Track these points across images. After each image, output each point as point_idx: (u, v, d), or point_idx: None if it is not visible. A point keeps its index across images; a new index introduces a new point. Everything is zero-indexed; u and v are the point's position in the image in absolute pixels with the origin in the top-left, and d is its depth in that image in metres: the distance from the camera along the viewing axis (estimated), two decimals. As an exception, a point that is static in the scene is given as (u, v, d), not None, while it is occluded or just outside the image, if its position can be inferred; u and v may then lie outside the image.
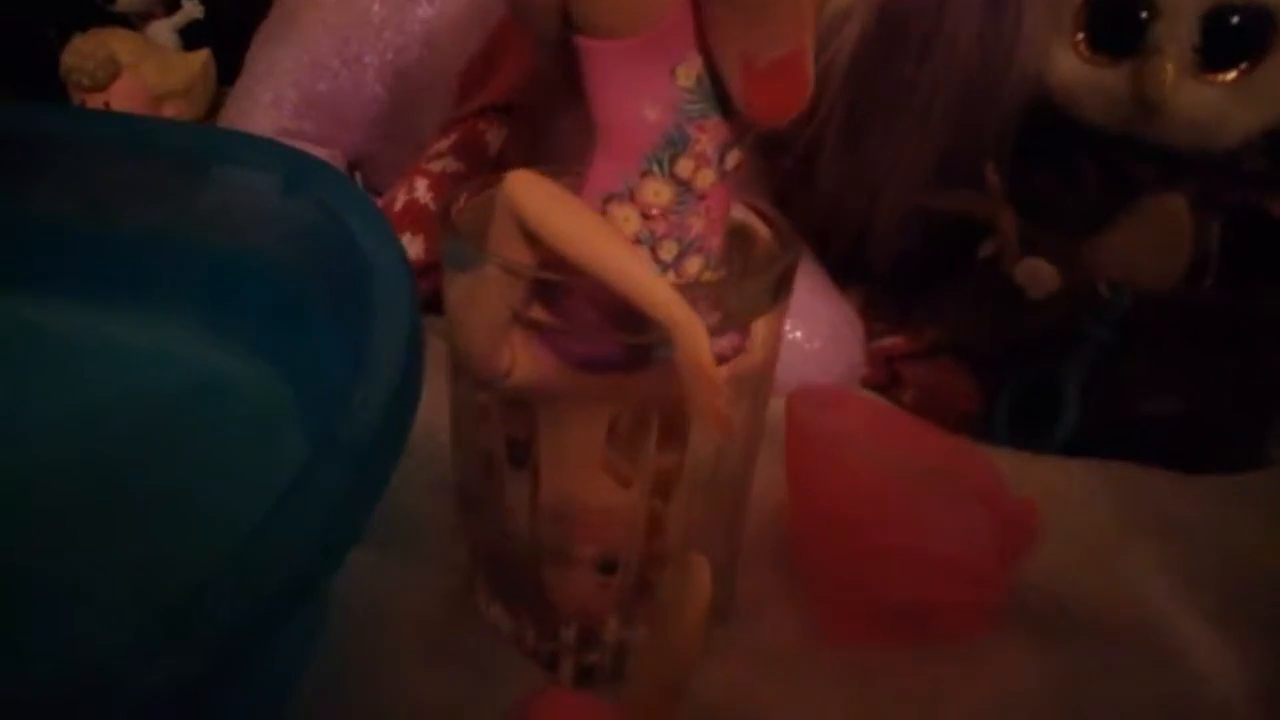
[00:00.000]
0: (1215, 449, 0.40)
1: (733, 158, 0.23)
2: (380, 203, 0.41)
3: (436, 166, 0.39)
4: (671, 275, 0.23)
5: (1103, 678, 0.30)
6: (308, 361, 0.32)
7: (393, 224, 0.35)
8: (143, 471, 0.32)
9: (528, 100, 0.40)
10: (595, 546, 0.26)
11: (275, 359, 0.33)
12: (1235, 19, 0.39)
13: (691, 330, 0.21)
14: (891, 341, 0.45)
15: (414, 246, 0.38)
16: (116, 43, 0.47)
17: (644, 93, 0.22)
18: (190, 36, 0.53)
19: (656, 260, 0.23)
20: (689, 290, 0.22)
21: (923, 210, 0.42)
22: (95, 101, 0.47)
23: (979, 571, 0.29)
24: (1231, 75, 0.39)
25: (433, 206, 0.39)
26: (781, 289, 0.24)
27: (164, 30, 0.52)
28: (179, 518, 0.30)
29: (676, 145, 0.22)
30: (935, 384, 0.44)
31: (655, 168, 0.22)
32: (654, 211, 0.22)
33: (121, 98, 0.47)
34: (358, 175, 0.48)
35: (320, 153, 0.46)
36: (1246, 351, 0.41)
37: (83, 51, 0.46)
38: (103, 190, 0.34)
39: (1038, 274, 0.39)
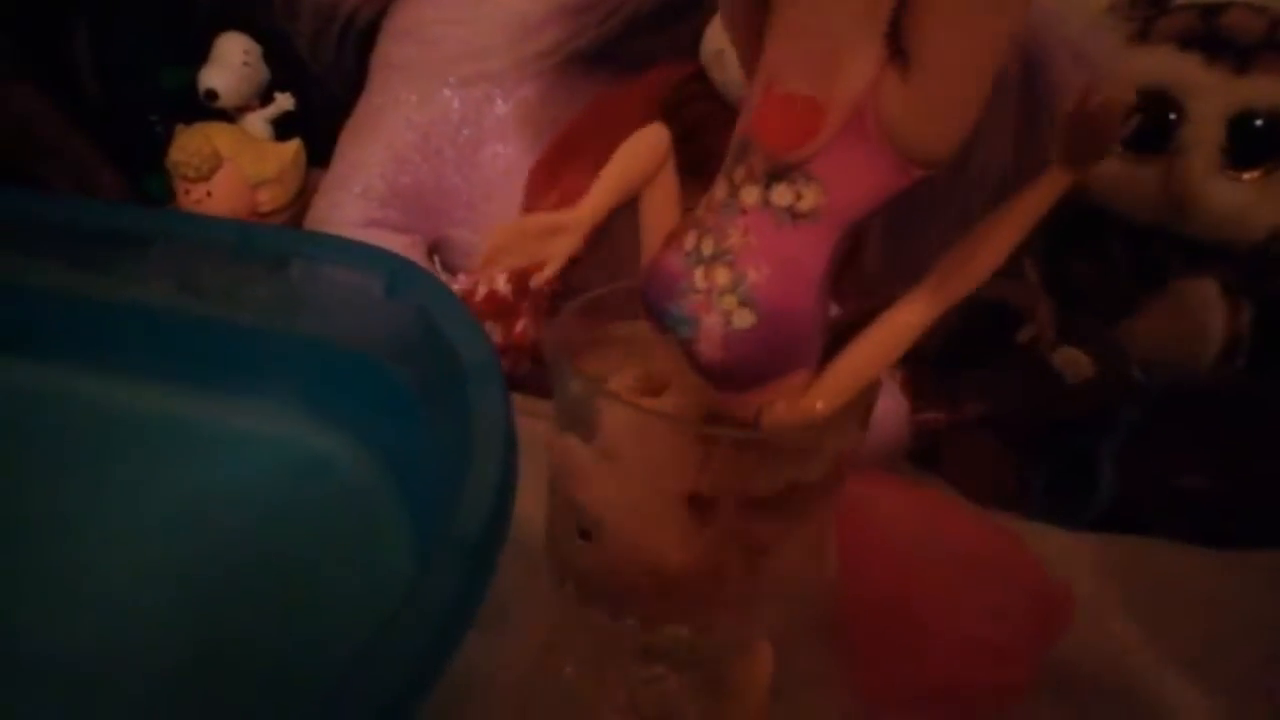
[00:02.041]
0: (1246, 525, 0.42)
1: (781, 194, 0.23)
2: (460, 289, 0.45)
3: (515, 260, 0.43)
4: (700, 272, 0.23)
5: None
6: (405, 448, 0.35)
7: (475, 311, 0.39)
8: (254, 547, 0.35)
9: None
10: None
11: (374, 446, 0.36)
12: (1259, 122, 0.41)
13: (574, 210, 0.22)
14: (933, 416, 0.48)
15: (495, 333, 0.42)
16: (218, 136, 0.52)
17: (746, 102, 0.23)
18: (281, 126, 0.57)
19: (698, 247, 0.23)
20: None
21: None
22: (199, 190, 0.51)
23: (1017, 652, 0.32)
24: (1256, 174, 0.42)
25: (511, 298, 0.42)
26: (867, 415, 0.27)
27: (258, 121, 0.56)
28: (291, 591, 0.33)
29: (741, 152, 0.23)
30: (973, 458, 0.46)
31: (726, 168, 0.23)
32: (714, 202, 0.23)
33: (222, 186, 0.52)
34: (436, 258, 0.52)
35: (403, 239, 0.49)
36: (1276, 431, 0.44)
37: (189, 148, 0.51)
38: (220, 287, 0.38)
39: (1074, 362, 0.41)
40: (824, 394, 0.23)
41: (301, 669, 0.31)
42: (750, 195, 0.23)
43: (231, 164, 0.52)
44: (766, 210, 0.22)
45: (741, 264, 0.23)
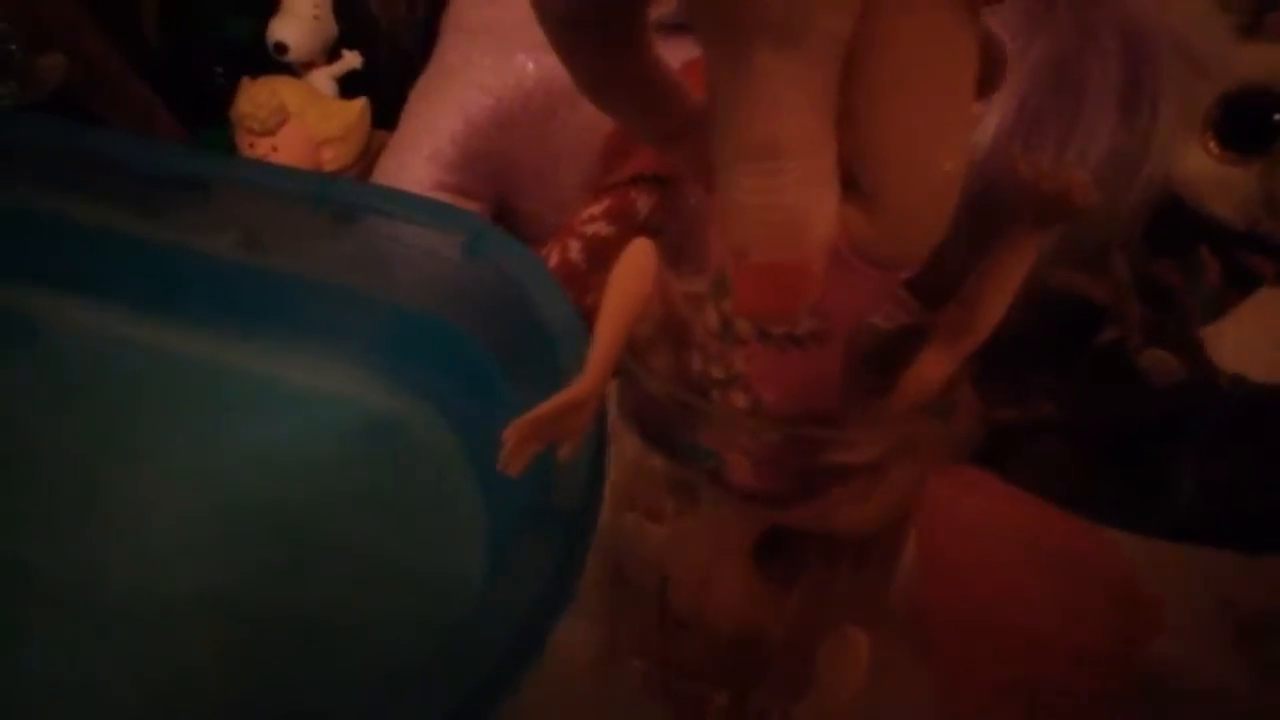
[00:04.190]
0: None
1: (776, 328, 0.21)
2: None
3: (589, 229, 0.42)
4: (718, 394, 0.22)
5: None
6: (479, 413, 0.34)
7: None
8: (320, 505, 0.34)
9: (678, 173, 0.42)
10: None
11: (447, 408, 0.36)
12: (1367, 127, 0.40)
13: (579, 388, 0.22)
14: (1004, 414, 0.47)
15: (564, 303, 0.41)
16: (286, 91, 0.51)
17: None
18: (347, 85, 0.56)
19: (706, 371, 0.23)
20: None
21: (1044, 286, 0.44)
22: (263, 144, 0.51)
23: (1103, 657, 0.31)
24: (1360, 180, 0.40)
25: (584, 266, 0.41)
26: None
27: (324, 78, 0.55)
28: (357, 552, 0.33)
29: (724, 286, 0.22)
30: (1044, 459, 0.45)
31: (712, 295, 0.22)
32: (709, 329, 0.23)
33: (287, 142, 0.51)
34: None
35: (470, 205, 0.48)
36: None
37: (256, 100, 0.50)
38: (296, 241, 0.37)
39: (1162, 364, 0.40)
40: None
41: (370, 631, 0.30)
42: (745, 327, 0.22)
43: (298, 120, 0.51)
44: (766, 341, 0.21)
45: (755, 388, 0.22)
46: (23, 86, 0.48)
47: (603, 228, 0.42)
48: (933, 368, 0.23)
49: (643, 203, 0.42)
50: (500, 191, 0.50)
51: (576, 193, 0.48)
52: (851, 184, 0.18)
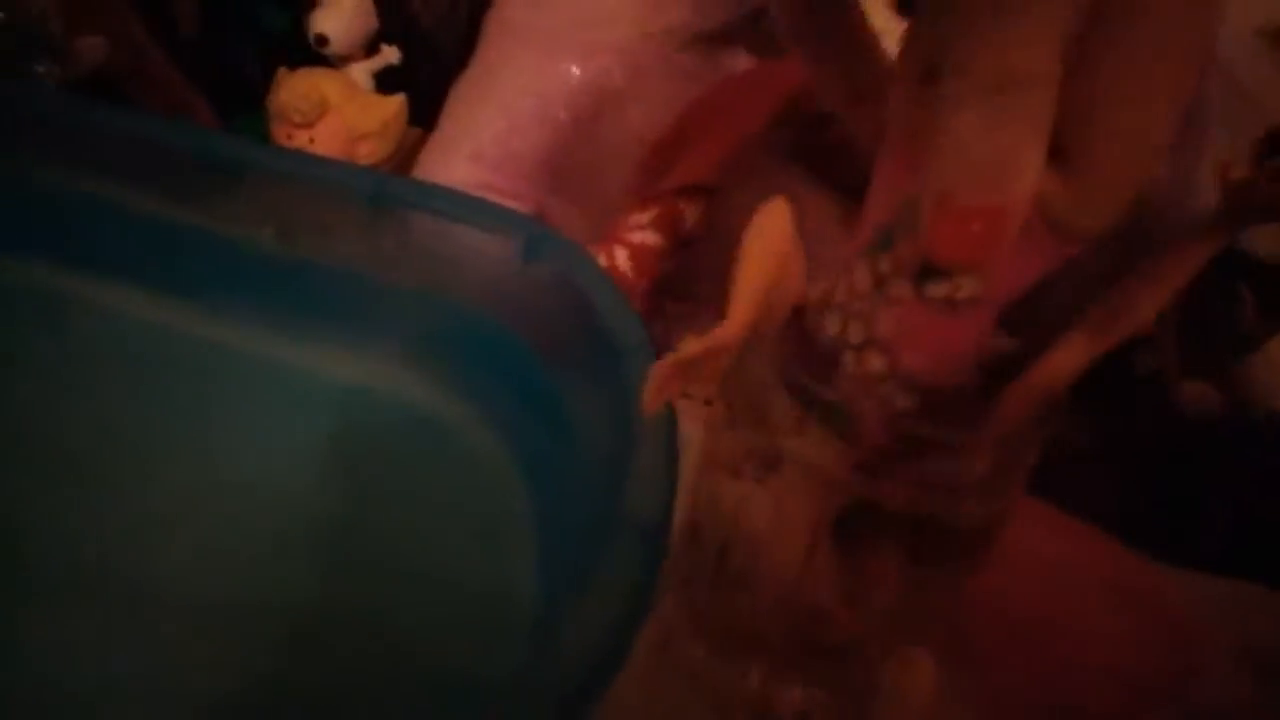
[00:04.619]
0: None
1: (937, 287, 0.22)
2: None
3: (636, 238, 0.42)
4: (851, 357, 0.23)
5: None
6: (528, 417, 0.34)
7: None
8: (370, 505, 0.34)
9: (725, 179, 0.42)
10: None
11: (495, 412, 0.35)
12: None
13: (724, 331, 0.22)
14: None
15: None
16: (326, 83, 0.51)
17: (888, 188, 0.22)
18: (384, 80, 0.56)
19: (844, 333, 0.23)
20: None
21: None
22: (301, 136, 0.50)
23: (1151, 689, 0.31)
24: (1404, 222, 0.41)
25: (631, 275, 0.41)
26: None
27: (361, 72, 0.55)
28: (405, 558, 0.32)
29: (885, 241, 0.22)
30: (1082, 488, 0.45)
31: (867, 252, 0.23)
32: (856, 289, 0.23)
33: (325, 135, 0.50)
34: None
35: (510, 205, 0.48)
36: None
37: (298, 90, 0.50)
38: (348, 235, 0.37)
39: (1200, 397, 0.40)
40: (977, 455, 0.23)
41: (412, 633, 0.30)
42: (901, 287, 0.22)
43: (336, 113, 0.51)
44: (921, 302, 0.22)
45: (897, 352, 0.22)
46: (62, 66, 0.48)
47: (649, 236, 0.42)
48: (1067, 358, 0.22)
49: (690, 213, 0.42)
50: (540, 193, 0.49)
51: (617, 198, 0.48)
52: (1054, 153, 0.18)
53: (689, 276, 0.46)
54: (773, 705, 0.30)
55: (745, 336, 0.22)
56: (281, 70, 0.53)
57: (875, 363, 0.22)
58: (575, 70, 0.49)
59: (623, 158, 0.48)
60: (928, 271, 0.21)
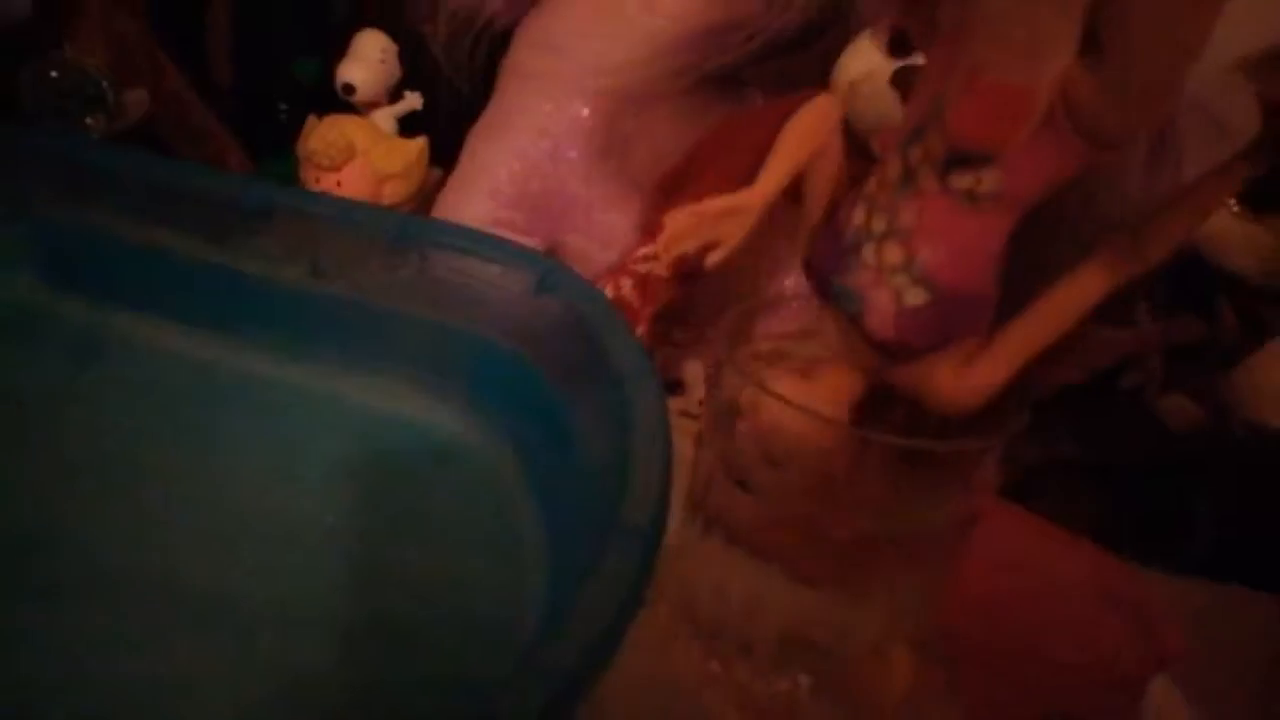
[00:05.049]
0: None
1: (960, 177, 0.22)
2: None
3: (642, 268, 0.44)
4: (871, 248, 0.24)
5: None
6: (541, 440, 0.36)
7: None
8: (386, 526, 0.37)
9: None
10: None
11: (506, 436, 0.38)
12: (1380, 191, 0.42)
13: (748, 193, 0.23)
14: (1028, 454, 0.49)
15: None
16: (352, 129, 0.54)
17: (928, 89, 0.23)
18: (406, 123, 0.59)
19: (868, 224, 0.24)
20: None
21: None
22: (329, 180, 0.54)
23: (1119, 679, 0.33)
24: (1373, 241, 0.43)
25: (636, 303, 0.44)
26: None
27: (386, 117, 0.59)
28: (421, 578, 0.35)
29: (918, 133, 0.23)
30: (1065, 499, 0.47)
31: (901, 145, 0.24)
32: (886, 180, 0.24)
33: (352, 178, 0.54)
34: (550, 260, 0.53)
35: (525, 241, 0.51)
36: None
37: (327, 138, 0.53)
38: (371, 273, 0.40)
39: (1181, 410, 0.42)
40: (993, 362, 0.24)
41: (425, 640, 0.32)
42: (927, 177, 0.23)
43: (363, 157, 0.54)
44: (945, 193, 0.23)
45: (915, 244, 0.23)
46: (110, 120, 0.51)
47: (654, 267, 0.44)
48: (1089, 281, 0.23)
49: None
50: (554, 229, 0.52)
51: (626, 233, 0.51)
52: (1087, 48, 0.19)
53: (692, 307, 0.48)
54: (761, 698, 0.32)
55: (763, 205, 0.24)
56: (310, 118, 0.56)
57: (893, 254, 0.23)
58: (585, 112, 0.52)
59: (634, 193, 0.51)
60: (953, 160, 0.22)
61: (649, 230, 0.47)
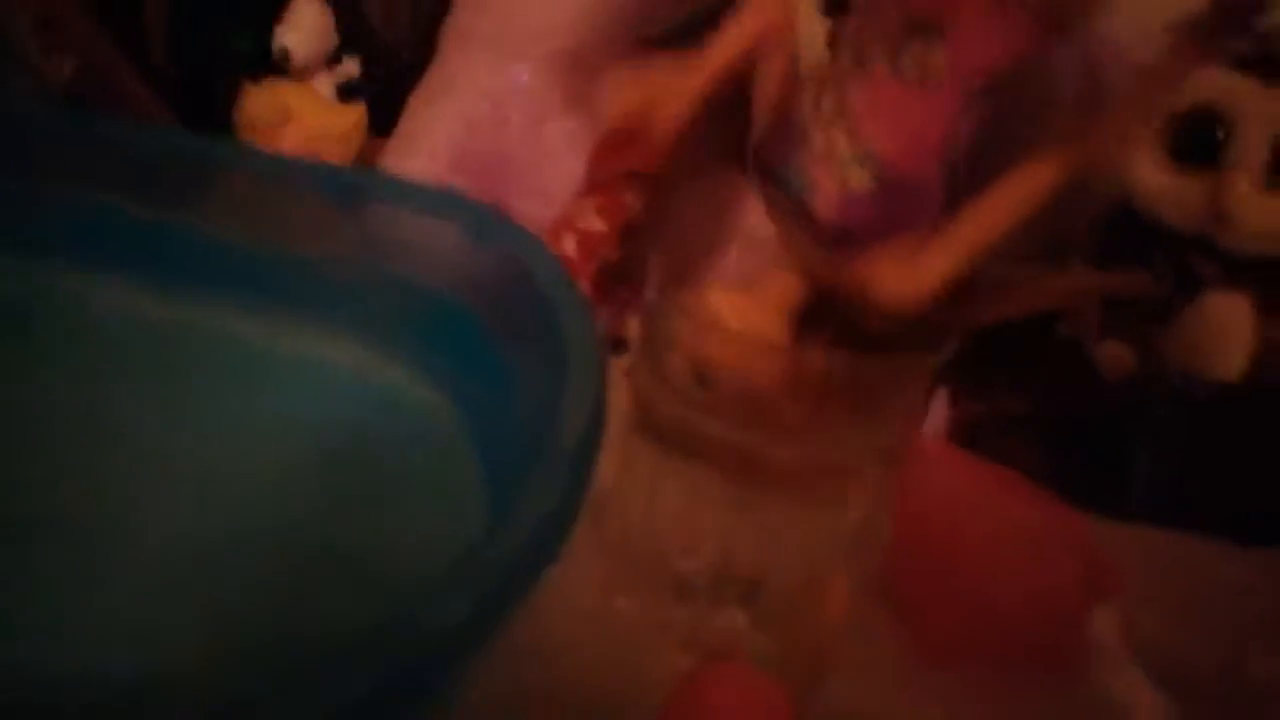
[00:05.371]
0: (1272, 525, 0.43)
1: (911, 55, 0.23)
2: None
3: (583, 224, 0.44)
4: (819, 134, 0.24)
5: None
6: (479, 387, 0.36)
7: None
8: (322, 471, 0.36)
9: (666, 170, 0.45)
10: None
11: (446, 384, 0.37)
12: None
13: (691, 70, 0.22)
14: (970, 409, 0.49)
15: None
16: (288, 94, 0.53)
17: None
18: (345, 92, 0.59)
19: (817, 109, 0.24)
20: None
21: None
22: (265, 143, 0.53)
23: (1060, 608, 0.33)
24: (1299, 192, 0.44)
25: (577, 257, 0.44)
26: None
27: (324, 84, 0.58)
28: (356, 517, 0.34)
29: (869, 14, 0.24)
30: (1008, 451, 0.48)
31: (850, 33, 0.24)
32: (836, 68, 0.24)
33: (289, 142, 0.53)
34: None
35: (466, 202, 0.51)
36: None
37: (263, 101, 0.52)
38: (305, 225, 0.39)
39: (1117, 357, 0.43)
40: (939, 254, 0.24)
41: (373, 568, 0.32)
42: (878, 58, 0.24)
43: (300, 122, 0.53)
44: (894, 75, 0.23)
45: (863, 128, 0.24)
46: (34, 84, 0.50)
47: (595, 223, 0.44)
48: (1038, 172, 0.23)
49: (632, 199, 0.45)
50: (494, 190, 0.52)
51: (566, 193, 0.50)
52: None
53: (634, 264, 0.48)
54: (704, 636, 0.32)
55: (701, 85, 0.24)
56: (246, 84, 0.55)
57: (841, 140, 0.24)
58: (526, 76, 0.52)
59: (570, 155, 0.51)
60: (905, 30, 0.22)
61: (590, 189, 0.47)
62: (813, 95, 0.24)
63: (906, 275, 0.24)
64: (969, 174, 0.38)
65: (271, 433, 0.37)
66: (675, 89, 0.24)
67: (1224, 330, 0.45)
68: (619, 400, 0.32)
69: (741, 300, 0.26)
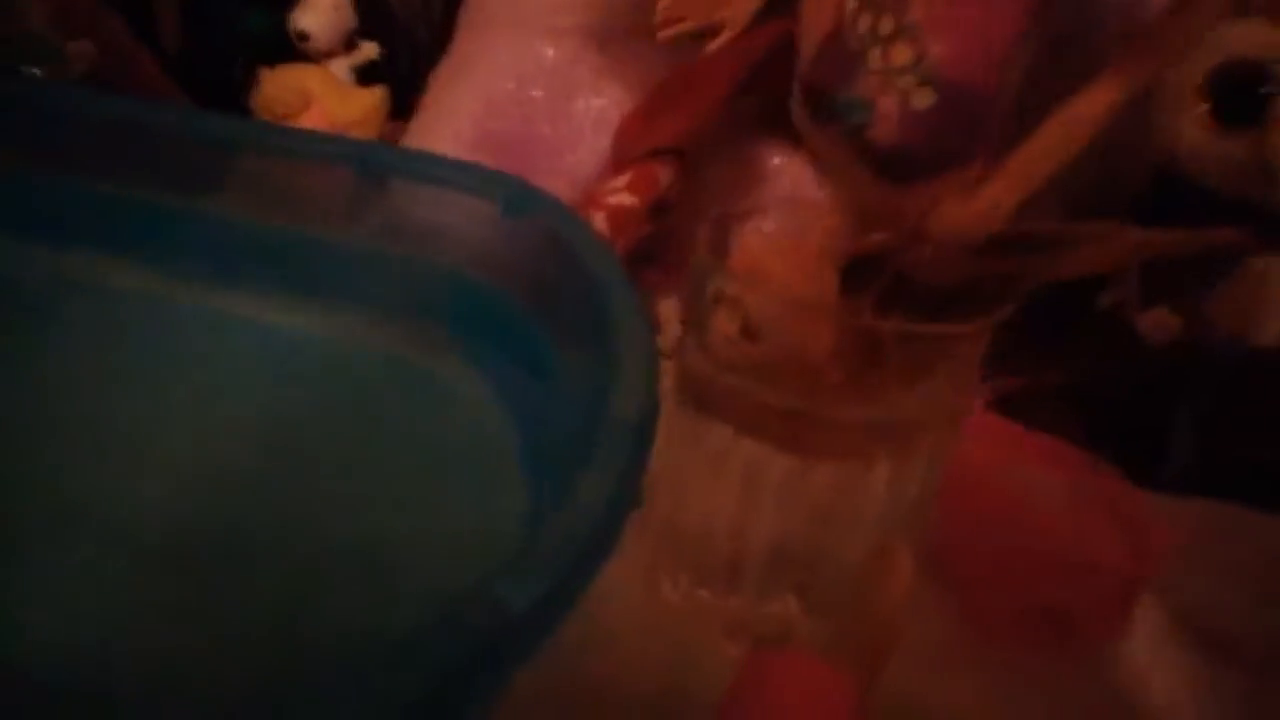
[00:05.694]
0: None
1: None
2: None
3: (613, 200, 0.43)
4: (877, 52, 0.23)
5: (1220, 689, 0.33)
6: (521, 370, 0.35)
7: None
8: (359, 454, 0.35)
9: (697, 146, 0.44)
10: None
11: (486, 368, 0.37)
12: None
13: None
14: (1009, 380, 0.48)
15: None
16: (308, 77, 0.53)
17: None
18: (364, 75, 0.58)
19: (874, 28, 0.23)
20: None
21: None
22: (286, 128, 0.52)
23: (1111, 582, 0.32)
24: (1347, 149, 0.43)
25: (609, 235, 0.43)
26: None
27: (342, 68, 0.57)
28: (401, 503, 0.34)
29: None
30: (1051, 425, 0.47)
31: None
32: None
33: (308, 125, 0.52)
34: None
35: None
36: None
37: (282, 84, 0.51)
38: (335, 204, 0.39)
39: (1161, 324, 0.42)
40: (1001, 185, 0.23)
41: (404, 571, 0.31)
42: None
43: (319, 105, 0.53)
44: None
45: (925, 37, 0.23)
46: (54, 70, 0.49)
47: (626, 198, 0.43)
48: (1095, 99, 0.22)
49: (664, 174, 0.44)
50: (521, 171, 0.51)
51: (593, 172, 0.49)
52: None
53: (665, 244, 0.48)
54: (755, 624, 0.31)
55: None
56: (264, 69, 0.55)
57: (902, 54, 0.23)
58: (549, 52, 0.51)
59: (600, 133, 0.50)
60: None
61: (620, 166, 0.46)
62: (871, 15, 0.23)
63: (968, 206, 0.23)
64: (1027, 98, 0.37)
65: (302, 422, 0.36)
66: (730, 11, 0.23)
67: (1269, 294, 0.44)
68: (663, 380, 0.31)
69: (788, 253, 0.26)
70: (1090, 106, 0.23)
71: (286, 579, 0.31)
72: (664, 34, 0.23)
